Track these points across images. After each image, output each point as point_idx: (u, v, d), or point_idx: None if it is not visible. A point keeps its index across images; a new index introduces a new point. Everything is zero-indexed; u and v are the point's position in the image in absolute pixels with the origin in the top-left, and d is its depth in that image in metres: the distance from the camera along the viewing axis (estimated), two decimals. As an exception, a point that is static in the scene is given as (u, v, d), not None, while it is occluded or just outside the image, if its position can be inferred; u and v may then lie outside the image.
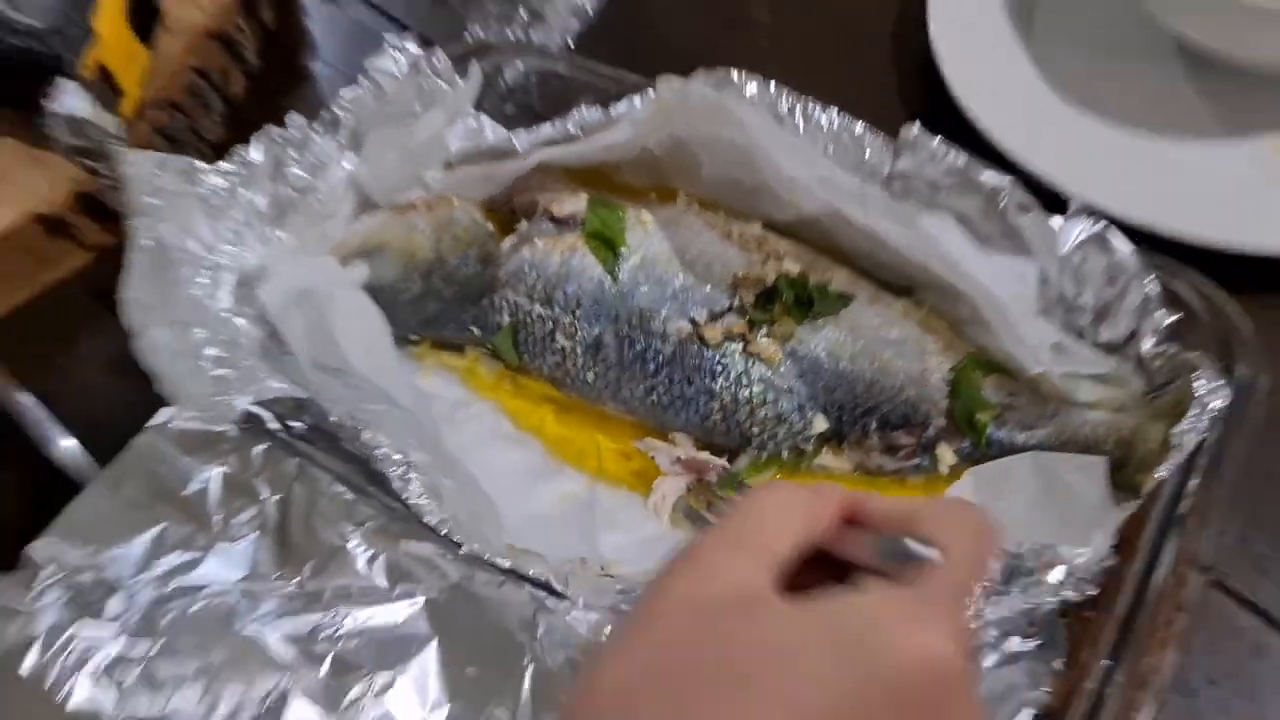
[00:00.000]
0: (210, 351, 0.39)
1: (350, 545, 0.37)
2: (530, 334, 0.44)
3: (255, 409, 0.39)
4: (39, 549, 0.37)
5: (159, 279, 0.40)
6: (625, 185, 0.47)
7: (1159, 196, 0.45)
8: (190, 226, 0.41)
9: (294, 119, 0.45)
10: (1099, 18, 0.53)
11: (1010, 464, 0.39)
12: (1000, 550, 0.30)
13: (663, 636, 0.24)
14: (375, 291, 0.43)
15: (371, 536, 0.37)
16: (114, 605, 0.36)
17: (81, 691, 0.34)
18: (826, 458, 0.41)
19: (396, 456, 0.37)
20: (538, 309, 0.43)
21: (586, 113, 0.45)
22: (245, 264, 0.42)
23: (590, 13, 0.56)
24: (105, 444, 0.44)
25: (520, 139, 0.46)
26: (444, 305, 0.44)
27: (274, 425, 0.39)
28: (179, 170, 0.41)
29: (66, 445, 0.47)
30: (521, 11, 0.54)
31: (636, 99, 0.44)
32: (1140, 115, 0.50)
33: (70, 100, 0.43)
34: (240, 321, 0.41)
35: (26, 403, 0.49)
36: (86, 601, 0.35)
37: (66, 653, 0.34)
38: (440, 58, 0.46)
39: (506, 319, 0.44)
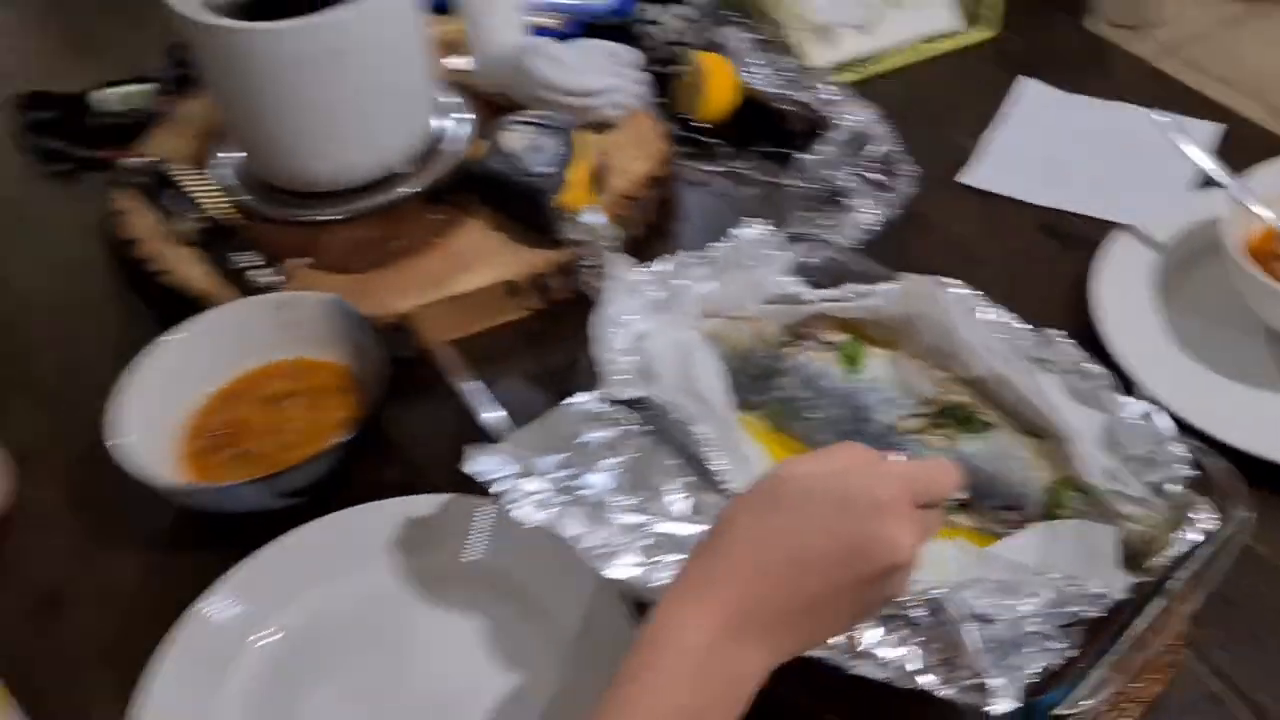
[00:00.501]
0: (616, 366, 0.69)
1: (673, 489, 0.64)
2: (793, 406, 0.71)
3: (629, 400, 0.67)
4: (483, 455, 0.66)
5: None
6: (869, 335, 0.74)
7: (1218, 412, 0.70)
8: (619, 298, 0.71)
9: (681, 253, 0.75)
10: (1216, 298, 0.79)
11: (1062, 525, 0.63)
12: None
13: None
14: (710, 360, 0.73)
15: (686, 488, 0.65)
16: (536, 483, 0.64)
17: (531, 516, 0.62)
18: (959, 516, 0.67)
19: (708, 439, 0.65)
20: (801, 392, 0.71)
21: (856, 287, 0.73)
22: (639, 327, 0.72)
23: (871, 231, 0.86)
24: (519, 421, 0.74)
25: (811, 294, 0.74)
26: (748, 379, 0.72)
27: (637, 413, 0.67)
28: (626, 266, 0.72)
29: (496, 415, 0.77)
30: (828, 220, 0.85)
31: (888, 284, 0.72)
32: (1226, 363, 0.76)
33: (590, 215, 0.75)
34: (635, 358, 0.70)
35: (473, 385, 0.80)
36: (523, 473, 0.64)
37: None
38: (776, 234, 0.76)
39: (780, 394, 0.72)
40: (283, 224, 0.90)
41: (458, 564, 0.69)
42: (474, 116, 0.97)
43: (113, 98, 1.10)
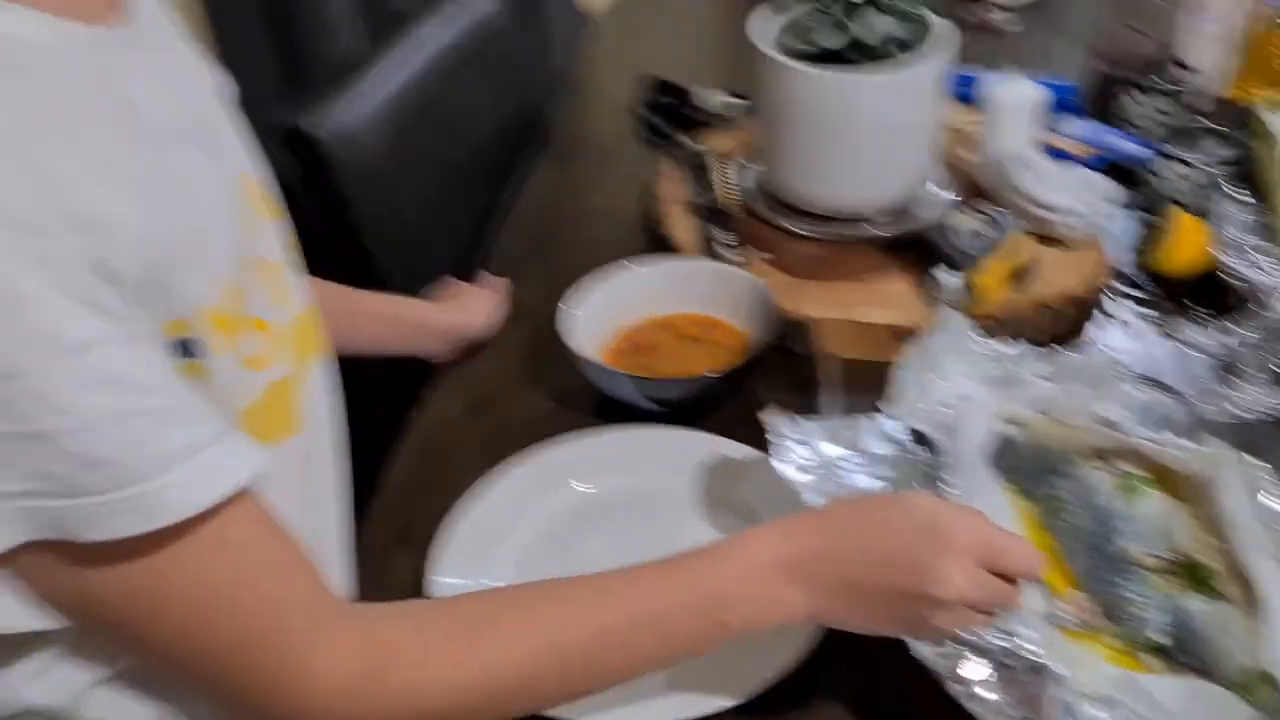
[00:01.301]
0: (926, 406, 0.81)
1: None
2: (1054, 505, 0.79)
3: (921, 435, 0.79)
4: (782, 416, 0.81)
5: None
6: (1163, 477, 0.79)
7: None
8: (952, 356, 0.83)
9: (1026, 345, 0.85)
10: None
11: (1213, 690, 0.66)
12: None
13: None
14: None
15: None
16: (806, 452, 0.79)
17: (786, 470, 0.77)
18: (1148, 657, 0.71)
19: (953, 491, 0.76)
20: (1069, 496, 0.79)
21: (1175, 438, 0.79)
22: (965, 387, 0.83)
23: (1253, 412, 0.89)
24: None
25: (1134, 429, 0.81)
26: (1033, 469, 0.81)
27: (924, 449, 0.79)
28: (967, 328, 0.84)
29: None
30: (1215, 389, 0.90)
31: (1199, 445, 0.77)
32: None
33: (948, 278, 0.88)
34: (949, 411, 0.82)
35: (834, 390, 0.95)
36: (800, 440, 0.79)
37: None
38: (1126, 370, 0.83)
39: (1051, 492, 0.80)
40: (765, 224, 1.11)
41: (728, 491, 0.86)
42: (953, 195, 1.11)
43: (713, 100, 1.38)
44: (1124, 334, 0.95)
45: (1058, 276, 1.01)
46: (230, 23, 1.44)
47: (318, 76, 1.71)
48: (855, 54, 1.03)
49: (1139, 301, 0.99)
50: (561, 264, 1.09)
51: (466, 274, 1.14)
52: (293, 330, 0.72)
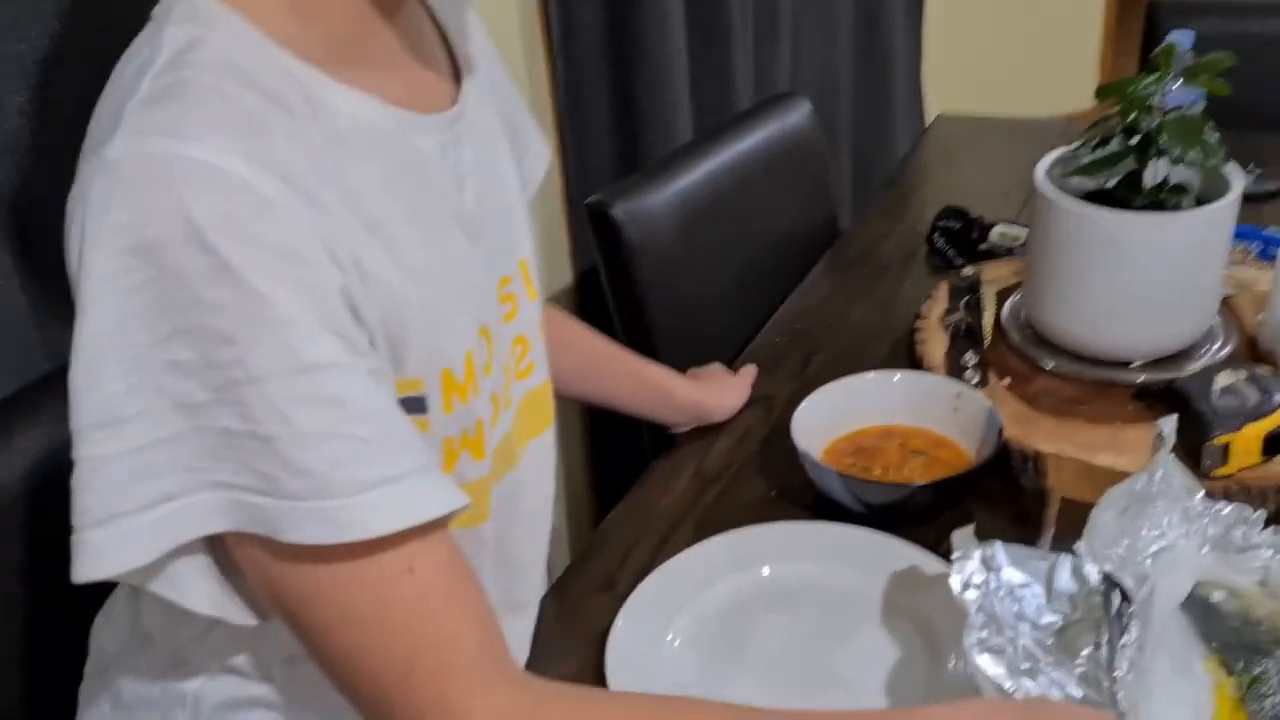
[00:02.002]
0: (1131, 558, 0.79)
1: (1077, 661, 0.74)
2: (1258, 682, 0.74)
3: (1117, 584, 0.77)
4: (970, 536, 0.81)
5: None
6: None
7: None
8: (1170, 510, 0.81)
9: (1254, 510, 0.81)
10: None
11: None
12: None
13: None
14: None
15: (1088, 661, 0.74)
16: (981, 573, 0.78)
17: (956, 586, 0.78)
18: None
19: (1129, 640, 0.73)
20: (1274, 675, 0.74)
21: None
22: (1179, 545, 0.80)
23: None
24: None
25: None
26: (1240, 642, 0.77)
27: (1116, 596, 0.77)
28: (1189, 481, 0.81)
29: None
30: None
31: None
32: None
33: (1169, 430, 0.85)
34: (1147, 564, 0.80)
35: (1050, 535, 0.94)
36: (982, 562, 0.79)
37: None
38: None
39: (1257, 671, 0.75)
40: (1016, 354, 1.11)
41: (912, 602, 0.87)
42: (1225, 352, 1.07)
43: (1000, 231, 1.39)
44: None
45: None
46: (581, 115, 1.60)
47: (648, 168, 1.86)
48: (1138, 196, 1.03)
49: None
50: (815, 364, 1.14)
51: (729, 361, 1.21)
52: (523, 402, 0.80)
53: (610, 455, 1.70)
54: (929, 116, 2.65)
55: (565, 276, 1.67)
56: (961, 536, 0.80)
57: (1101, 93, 1.03)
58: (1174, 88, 1.02)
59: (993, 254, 1.36)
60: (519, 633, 0.85)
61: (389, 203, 0.64)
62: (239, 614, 0.63)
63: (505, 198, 0.79)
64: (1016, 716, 0.66)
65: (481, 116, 0.77)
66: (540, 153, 0.92)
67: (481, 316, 0.72)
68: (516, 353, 0.80)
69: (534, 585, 0.86)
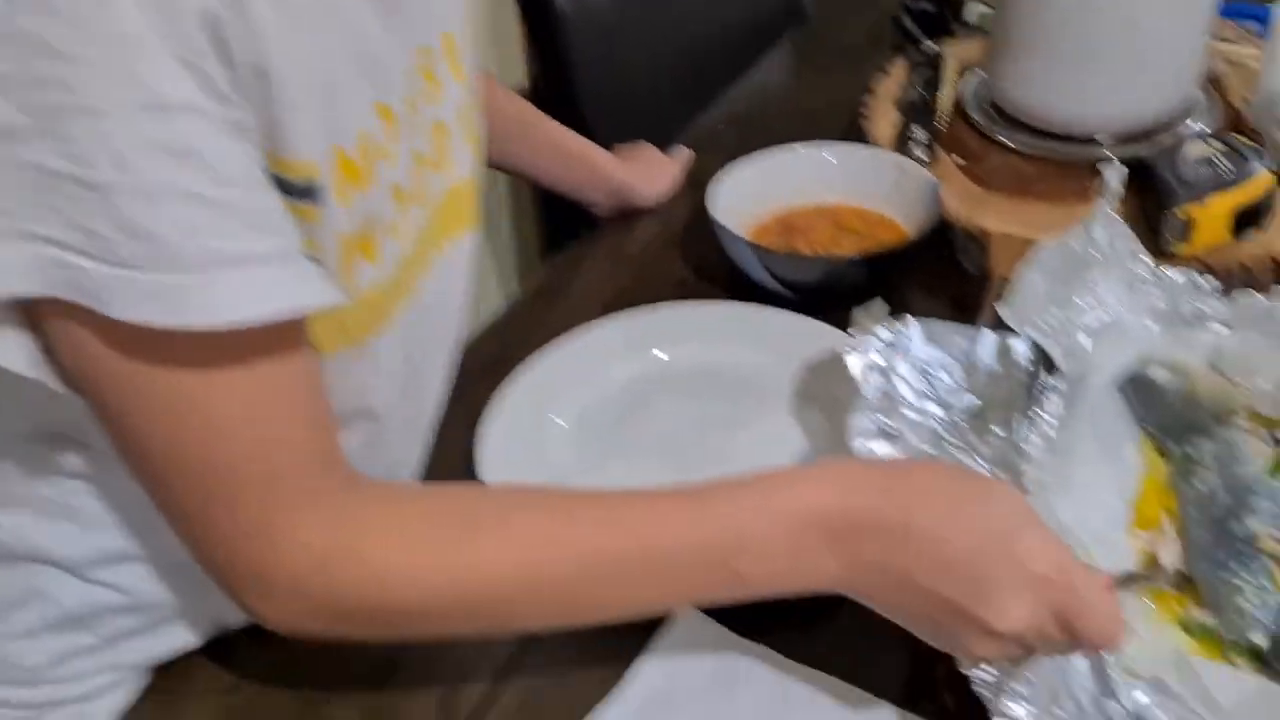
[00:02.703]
0: (1061, 332, 0.69)
1: (997, 434, 0.65)
2: (1189, 467, 0.66)
3: (1045, 357, 0.68)
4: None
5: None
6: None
7: None
8: (1107, 275, 0.71)
9: (1207, 280, 0.71)
10: None
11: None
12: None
13: None
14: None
15: (1004, 443, 0.65)
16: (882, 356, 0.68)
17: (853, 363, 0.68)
18: (1237, 657, 0.58)
19: (1056, 420, 0.64)
20: (1207, 460, 0.65)
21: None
22: (1122, 317, 0.70)
23: None
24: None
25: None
26: (1179, 423, 0.68)
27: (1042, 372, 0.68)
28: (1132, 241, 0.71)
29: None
30: None
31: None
32: None
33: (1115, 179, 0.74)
34: (1089, 340, 0.70)
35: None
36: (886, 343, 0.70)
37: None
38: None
39: (1190, 451, 0.66)
40: (975, 131, 1.00)
41: (823, 388, 0.78)
42: (1212, 128, 0.95)
43: (974, 10, 1.25)
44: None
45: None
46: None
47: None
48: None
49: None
50: (756, 147, 1.02)
51: (664, 144, 1.10)
52: (442, 201, 0.67)
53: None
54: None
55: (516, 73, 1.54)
56: (865, 312, 0.70)
57: None
58: None
59: (963, 34, 1.23)
60: (421, 456, 0.75)
61: None
62: (56, 382, 0.53)
63: None
64: (878, 476, 0.56)
65: None
66: None
67: (382, 93, 0.59)
68: (434, 141, 0.66)
69: (436, 399, 0.74)
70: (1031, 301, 0.68)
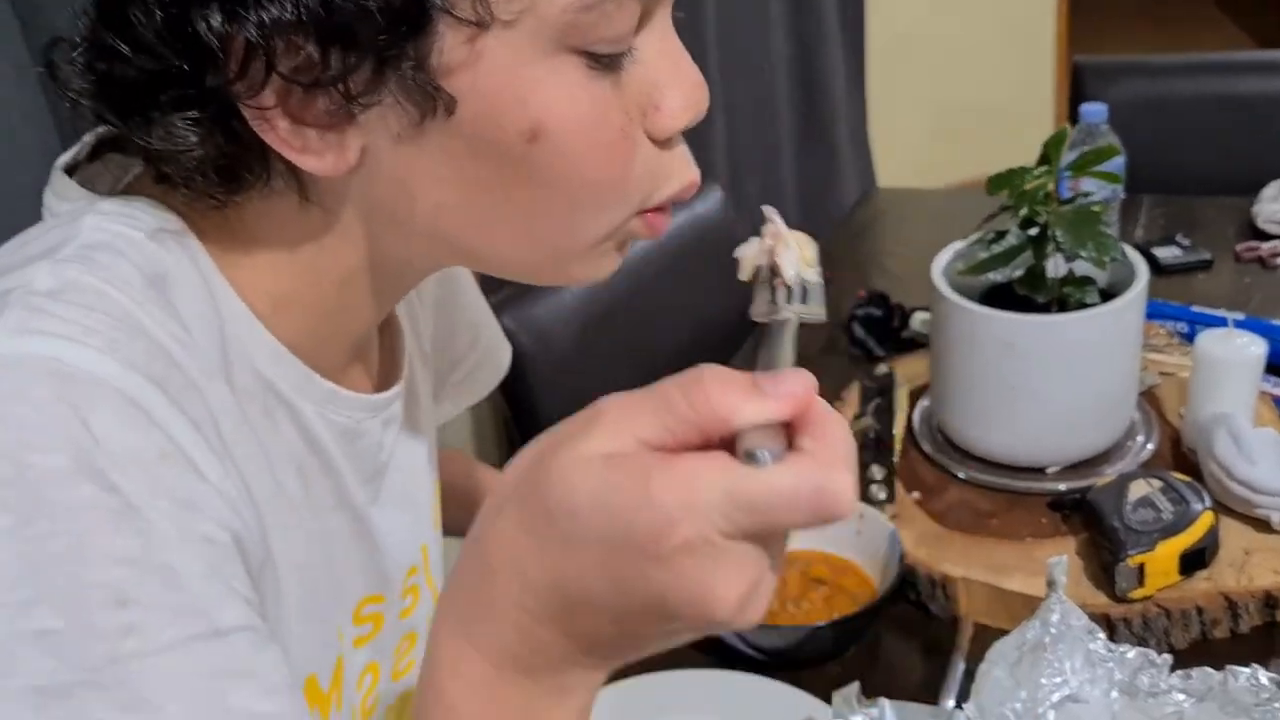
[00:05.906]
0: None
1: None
2: None
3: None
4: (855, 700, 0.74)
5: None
6: None
7: None
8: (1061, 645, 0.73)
9: (1167, 657, 0.73)
10: None
11: None
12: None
13: None
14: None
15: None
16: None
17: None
18: None
19: None
20: None
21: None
22: (1082, 693, 0.73)
23: None
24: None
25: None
26: None
27: None
28: (1082, 619, 0.74)
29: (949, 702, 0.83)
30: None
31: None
32: None
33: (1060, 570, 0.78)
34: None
35: (961, 666, 0.86)
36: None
37: None
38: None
39: None
40: (927, 461, 1.04)
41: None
42: (1154, 446, 1.00)
43: (922, 320, 1.32)
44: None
45: (1257, 572, 0.87)
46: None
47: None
48: (1042, 290, 0.97)
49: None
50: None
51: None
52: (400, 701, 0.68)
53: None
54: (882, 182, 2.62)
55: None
56: (842, 698, 0.73)
57: (994, 184, 0.97)
58: (1067, 176, 0.96)
59: (915, 343, 1.29)
60: None
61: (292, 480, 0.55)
62: None
63: (413, 488, 0.69)
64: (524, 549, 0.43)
65: (415, 398, 0.69)
66: (501, 363, 0.87)
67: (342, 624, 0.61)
68: (402, 648, 0.68)
69: None
70: (996, 694, 0.71)
